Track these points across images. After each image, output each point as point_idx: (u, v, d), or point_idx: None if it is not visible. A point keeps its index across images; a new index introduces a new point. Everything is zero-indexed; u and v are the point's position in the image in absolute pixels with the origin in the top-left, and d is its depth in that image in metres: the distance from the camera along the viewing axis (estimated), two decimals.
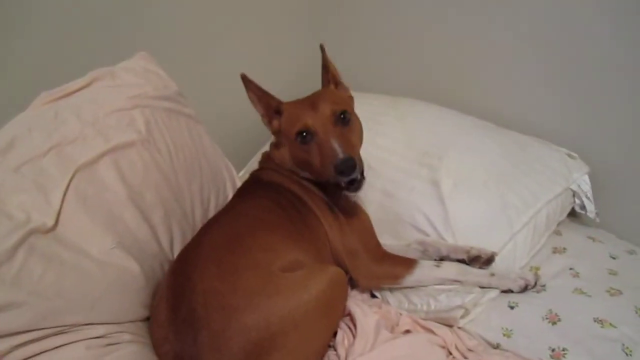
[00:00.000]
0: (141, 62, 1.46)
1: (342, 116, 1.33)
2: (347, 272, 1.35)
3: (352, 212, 1.41)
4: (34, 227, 1.04)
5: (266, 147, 1.56)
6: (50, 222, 1.07)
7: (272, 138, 1.51)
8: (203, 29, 1.93)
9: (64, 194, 1.12)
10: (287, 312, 1.06)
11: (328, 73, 1.45)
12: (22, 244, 1.02)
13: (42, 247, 1.05)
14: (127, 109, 1.32)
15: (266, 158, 1.52)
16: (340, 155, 1.23)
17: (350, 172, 1.24)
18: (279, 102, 1.40)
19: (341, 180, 1.26)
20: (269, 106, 1.40)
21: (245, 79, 1.37)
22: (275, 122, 1.41)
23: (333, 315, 1.20)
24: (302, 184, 1.41)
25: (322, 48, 1.43)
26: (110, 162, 1.21)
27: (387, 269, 1.35)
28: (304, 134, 1.31)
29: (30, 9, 1.50)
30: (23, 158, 1.14)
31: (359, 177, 1.29)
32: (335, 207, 1.39)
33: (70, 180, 1.14)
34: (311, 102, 1.36)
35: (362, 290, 1.44)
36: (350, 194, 1.37)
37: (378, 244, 1.39)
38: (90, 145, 1.21)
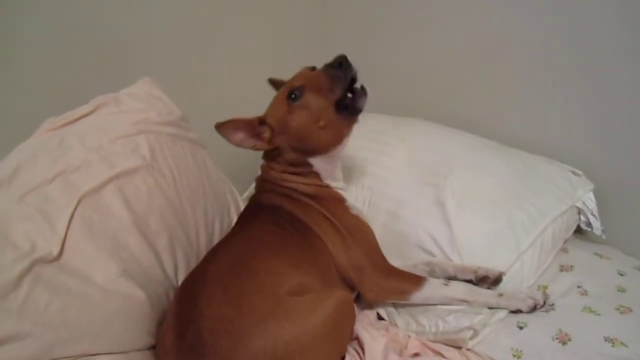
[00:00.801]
0: (145, 88, 1.48)
1: (313, 69, 1.40)
2: (353, 289, 1.35)
3: (356, 226, 1.41)
4: (39, 256, 1.04)
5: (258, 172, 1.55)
6: (55, 251, 1.07)
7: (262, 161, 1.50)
8: (206, 54, 1.95)
9: (69, 222, 1.11)
10: (293, 337, 1.05)
11: None
12: (28, 273, 1.02)
13: (47, 276, 1.04)
14: (131, 134, 1.33)
15: (261, 181, 1.52)
16: (331, 60, 1.32)
17: (347, 65, 1.30)
18: (259, 116, 1.41)
19: (341, 77, 1.30)
20: (253, 126, 1.40)
21: (220, 127, 1.34)
22: (266, 134, 1.41)
23: (340, 340, 1.19)
24: (302, 202, 1.40)
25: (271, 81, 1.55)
26: (115, 188, 1.21)
27: (395, 284, 1.34)
28: (293, 94, 1.34)
29: (35, 35, 1.52)
30: (28, 186, 1.14)
31: (360, 86, 1.34)
32: (338, 222, 1.39)
33: (76, 208, 1.14)
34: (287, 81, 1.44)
35: (370, 306, 1.43)
36: (359, 111, 1.37)
37: (384, 258, 1.38)
38: (95, 171, 1.21)
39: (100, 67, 1.65)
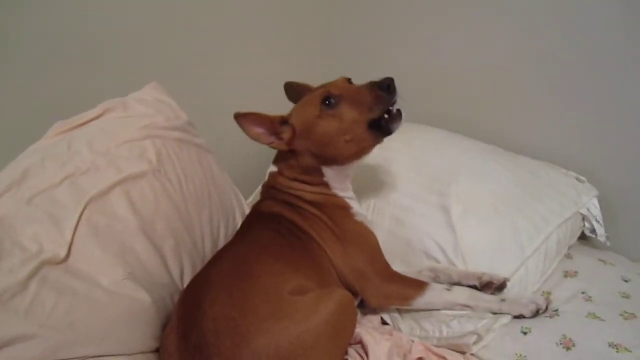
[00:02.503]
0: (152, 93, 1.48)
1: (350, 81, 1.40)
2: (356, 295, 1.35)
3: (358, 233, 1.41)
4: (46, 258, 1.05)
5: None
6: (62, 253, 1.07)
7: (270, 167, 1.50)
8: (212, 58, 1.96)
9: (76, 225, 1.12)
10: (296, 337, 1.06)
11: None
12: (35, 275, 1.02)
13: (54, 278, 1.05)
14: (138, 139, 1.34)
15: (266, 188, 1.51)
16: (377, 79, 1.28)
17: (394, 89, 1.27)
18: (281, 115, 1.39)
19: (385, 99, 1.28)
20: (274, 124, 1.37)
21: (239, 117, 1.31)
22: (285, 134, 1.38)
23: (342, 340, 1.19)
24: (303, 209, 1.40)
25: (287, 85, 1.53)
26: (122, 192, 1.22)
27: (397, 289, 1.34)
28: (328, 100, 1.31)
29: (43, 40, 1.53)
30: (36, 189, 1.15)
31: (397, 110, 1.31)
32: (339, 229, 1.38)
33: (83, 211, 1.14)
34: (320, 86, 1.42)
35: (373, 311, 1.43)
36: (390, 133, 1.33)
37: (386, 264, 1.38)
38: (102, 175, 1.22)
39: (107, 70, 1.66)
